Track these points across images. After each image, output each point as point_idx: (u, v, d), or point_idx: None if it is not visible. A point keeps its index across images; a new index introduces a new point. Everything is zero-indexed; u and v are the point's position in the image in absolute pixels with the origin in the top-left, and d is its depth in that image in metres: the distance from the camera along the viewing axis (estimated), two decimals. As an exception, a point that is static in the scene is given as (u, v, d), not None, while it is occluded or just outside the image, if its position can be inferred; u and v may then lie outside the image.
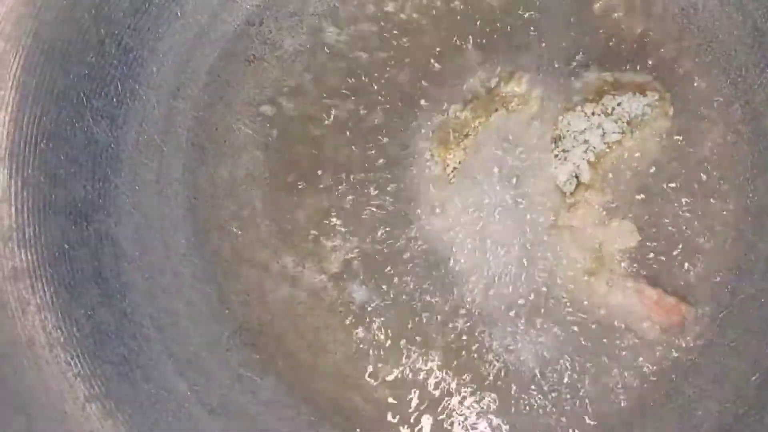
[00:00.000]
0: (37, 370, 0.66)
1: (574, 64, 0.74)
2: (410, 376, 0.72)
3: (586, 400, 0.71)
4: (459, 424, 0.72)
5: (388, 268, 0.73)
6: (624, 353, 0.71)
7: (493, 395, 0.72)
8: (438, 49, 0.75)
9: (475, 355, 0.72)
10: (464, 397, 0.72)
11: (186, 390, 0.71)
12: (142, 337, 0.71)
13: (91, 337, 0.68)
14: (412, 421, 0.72)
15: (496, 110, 0.73)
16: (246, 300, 0.74)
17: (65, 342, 0.67)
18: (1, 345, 0.65)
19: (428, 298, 0.72)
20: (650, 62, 0.74)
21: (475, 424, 0.72)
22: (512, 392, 0.72)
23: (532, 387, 0.71)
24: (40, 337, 0.67)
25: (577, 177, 0.72)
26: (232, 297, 0.74)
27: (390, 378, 0.72)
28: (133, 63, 0.74)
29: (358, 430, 0.72)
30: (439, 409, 0.72)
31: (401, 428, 0.72)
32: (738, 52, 0.74)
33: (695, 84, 0.74)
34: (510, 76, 0.73)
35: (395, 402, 0.71)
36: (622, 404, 0.71)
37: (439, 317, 0.72)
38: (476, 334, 0.72)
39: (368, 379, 0.72)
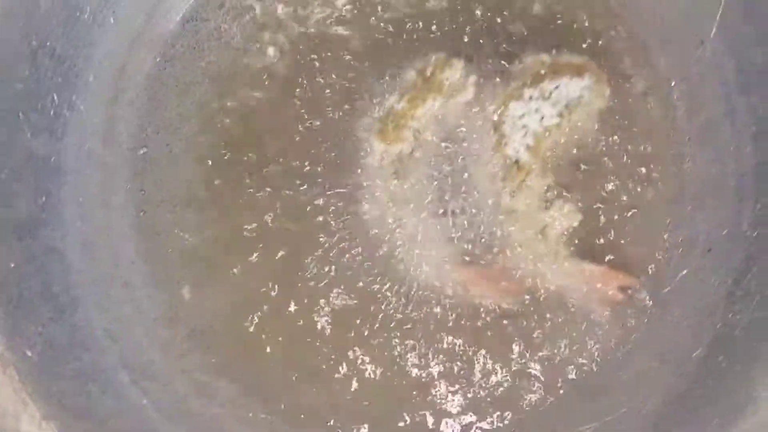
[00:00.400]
0: (-9, 391, 0.66)
1: (510, 48, 0.74)
2: (363, 368, 0.73)
3: (533, 379, 0.72)
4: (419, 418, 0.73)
5: (333, 259, 0.73)
6: (572, 332, 0.72)
7: (446, 383, 0.73)
8: (372, 41, 0.74)
9: (423, 339, 0.72)
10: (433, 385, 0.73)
11: (143, 398, 0.71)
12: (96, 349, 0.71)
13: (44, 354, 0.68)
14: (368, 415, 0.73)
15: (434, 99, 0.73)
16: (197, 303, 0.74)
17: (18, 361, 0.67)
18: (-48, 368, 0.66)
19: (376, 287, 0.73)
20: (586, 43, 0.74)
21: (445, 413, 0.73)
22: (465, 371, 0.72)
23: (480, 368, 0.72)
24: (-8, 358, 0.67)
25: (517, 162, 0.73)
26: (182, 301, 0.74)
27: (341, 373, 0.73)
28: (68, 73, 0.73)
29: (315, 427, 0.73)
30: (395, 400, 0.73)
31: (361, 426, 0.73)
32: (672, 30, 0.74)
33: (631, 63, 0.74)
34: (445, 64, 0.73)
35: (349, 398, 0.72)
36: (571, 383, 0.72)
37: (384, 306, 0.73)
38: (424, 316, 0.73)
39: (322, 375, 0.73)
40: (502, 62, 0.74)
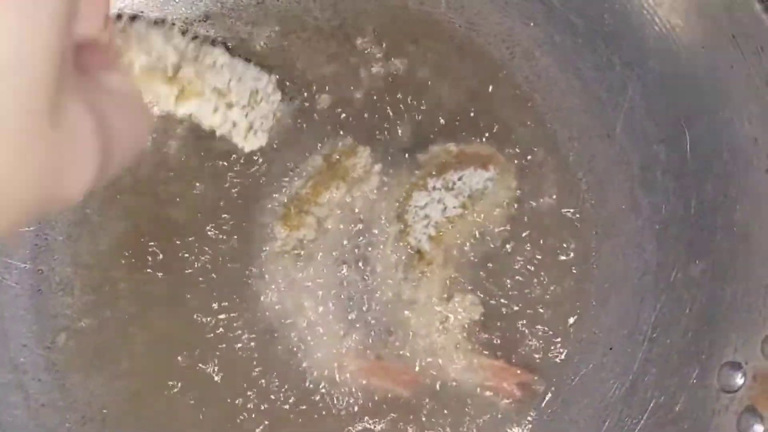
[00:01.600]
0: None
1: (418, 137, 0.73)
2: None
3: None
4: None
5: (224, 345, 0.72)
6: (471, 427, 0.71)
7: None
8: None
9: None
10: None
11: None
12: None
13: None
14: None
15: (338, 186, 0.72)
16: (90, 389, 0.72)
17: None
18: None
19: (263, 379, 0.71)
20: (495, 134, 0.74)
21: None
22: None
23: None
24: None
25: (419, 251, 0.72)
26: (75, 386, 0.72)
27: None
28: None
29: None
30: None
31: None
32: (579, 120, 0.73)
33: (540, 156, 0.74)
34: (351, 151, 0.73)
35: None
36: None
37: (275, 398, 0.71)
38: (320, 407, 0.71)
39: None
40: (409, 151, 0.73)
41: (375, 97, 0.74)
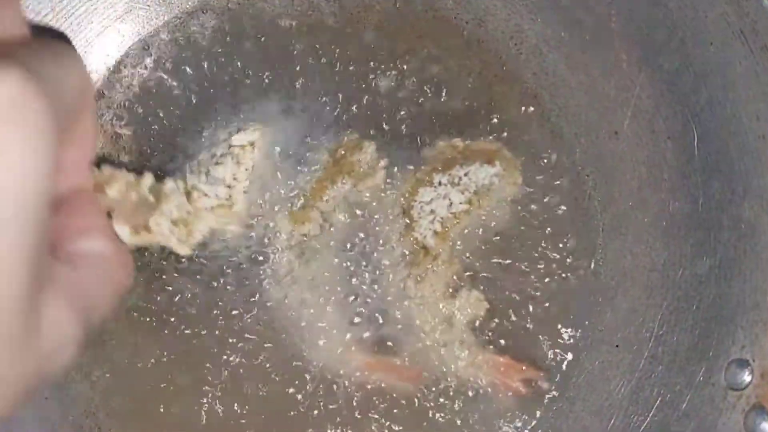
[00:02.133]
0: None
1: (424, 132, 0.73)
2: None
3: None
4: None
5: (233, 340, 0.71)
6: (476, 423, 0.71)
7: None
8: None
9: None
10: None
11: None
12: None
13: None
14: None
15: (343, 181, 0.72)
16: (93, 380, 0.72)
17: None
18: None
19: (267, 372, 0.71)
20: (502, 131, 0.73)
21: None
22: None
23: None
24: None
25: (424, 247, 0.71)
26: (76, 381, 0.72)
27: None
28: None
29: None
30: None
31: None
32: (587, 121, 0.73)
33: (546, 152, 0.73)
34: (356, 146, 0.72)
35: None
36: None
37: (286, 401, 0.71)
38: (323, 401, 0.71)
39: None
40: (415, 146, 0.73)
41: (381, 93, 0.73)
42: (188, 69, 0.73)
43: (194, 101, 0.73)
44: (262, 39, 0.74)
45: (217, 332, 0.71)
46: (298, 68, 0.74)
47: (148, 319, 0.71)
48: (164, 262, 0.71)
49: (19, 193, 0.28)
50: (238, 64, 0.73)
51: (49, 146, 0.29)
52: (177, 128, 0.73)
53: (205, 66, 0.74)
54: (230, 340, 0.71)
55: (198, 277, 0.72)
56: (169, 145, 0.72)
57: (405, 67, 0.74)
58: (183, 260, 0.71)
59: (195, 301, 0.71)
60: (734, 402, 0.62)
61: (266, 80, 0.73)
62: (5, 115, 0.27)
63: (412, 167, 0.73)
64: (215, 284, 0.72)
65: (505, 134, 0.73)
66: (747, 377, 0.61)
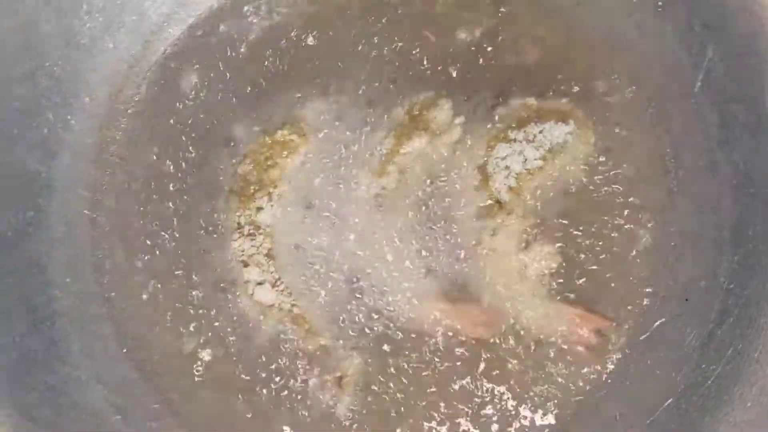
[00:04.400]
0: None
1: (498, 91, 0.75)
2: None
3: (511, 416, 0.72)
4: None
5: (312, 283, 0.74)
6: (549, 371, 0.72)
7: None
8: (364, 78, 0.76)
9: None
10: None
11: (114, 415, 0.71)
12: (71, 363, 0.71)
13: (17, 365, 0.68)
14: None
15: (420, 136, 0.74)
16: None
17: (-8, 371, 0.68)
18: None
19: (356, 316, 0.73)
20: (574, 91, 0.75)
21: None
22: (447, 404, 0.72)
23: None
24: (-36, 366, 0.67)
25: (498, 201, 0.73)
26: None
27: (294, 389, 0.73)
28: (66, 94, 0.75)
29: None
30: None
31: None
32: (658, 81, 0.75)
33: (618, 113, 0.75)
34: (432, 103, 0.75)
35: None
36: (547, 421, 0.72)
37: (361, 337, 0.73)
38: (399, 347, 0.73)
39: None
40: (490, 105, 0.75)
41: (458, 52, 0.76)
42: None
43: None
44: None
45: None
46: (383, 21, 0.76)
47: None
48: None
49: None
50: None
51: None
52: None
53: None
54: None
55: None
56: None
57: (481, 31, 0.77)
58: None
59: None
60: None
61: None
62: None
63: (487, 125, 0.75)
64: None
65: (578, 95, 0.75)
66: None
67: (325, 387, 0.73)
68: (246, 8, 0.79)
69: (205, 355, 0.74)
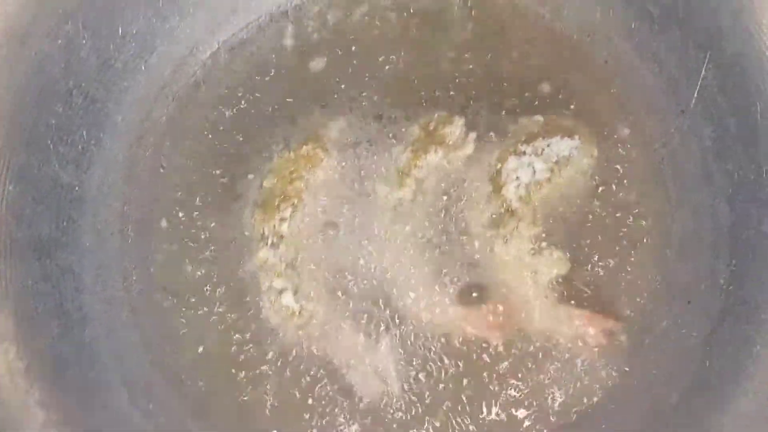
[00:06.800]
0: (-3, 396, 0.69)
1: (508, 109, 0.80)
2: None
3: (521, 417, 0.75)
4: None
5: (334, 289, 0.78)
6: (557, 374, 0.76)
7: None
8: (383, 98, 0.81)
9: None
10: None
11: (141, 418, 0.73)
12: (99, 366, 0.74)
13: (51, 367, 0.71)
14: None
15: (435, 151, 0.79)
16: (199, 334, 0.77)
17: (26, 371, 0.70)
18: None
19: (373, 324, 0.77)
20: (578, 108, 0.81)
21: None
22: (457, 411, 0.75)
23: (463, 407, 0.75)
24: (1, 366, 0.69)
25: (510, 210, 0.78)
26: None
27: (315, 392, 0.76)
28: (99, 113, 0.79)
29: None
30: None
31: None
32: (655, 97, 0.80)
33: (619, 128, 0.81)
34: (446, 120, 0.80)
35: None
36: (557, 421, 0.75)
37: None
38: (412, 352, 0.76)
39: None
40: (500, 122, 0.80)
41: (469, 75, 0.81)
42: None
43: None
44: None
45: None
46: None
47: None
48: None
49: None
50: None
51: None
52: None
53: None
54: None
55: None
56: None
57: (487, 56, 0.82)
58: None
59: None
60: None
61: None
62: None
63: (498, 140, 0.80)
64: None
65: (582, 113, 0.81)
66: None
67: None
68: (272, 33, 0.84)
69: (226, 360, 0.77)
